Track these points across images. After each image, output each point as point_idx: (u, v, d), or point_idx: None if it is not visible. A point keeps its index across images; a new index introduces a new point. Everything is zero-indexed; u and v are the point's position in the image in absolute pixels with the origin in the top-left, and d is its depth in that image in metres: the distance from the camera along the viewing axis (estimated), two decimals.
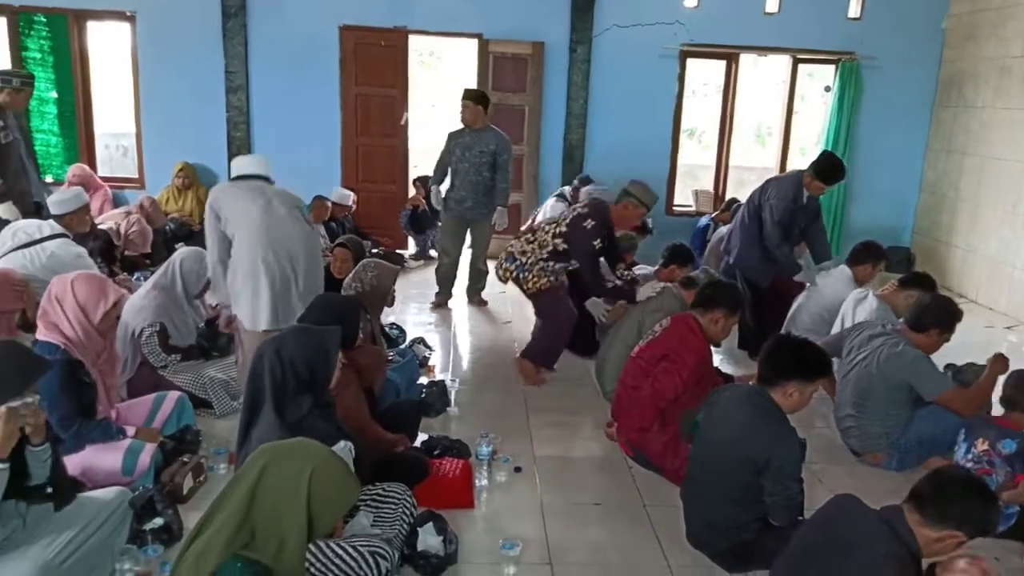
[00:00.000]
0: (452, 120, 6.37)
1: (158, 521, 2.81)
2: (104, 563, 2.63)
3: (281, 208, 3.92)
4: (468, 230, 6.20)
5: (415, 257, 7.69)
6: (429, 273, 7.08)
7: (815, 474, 3.62)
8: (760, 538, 2.80)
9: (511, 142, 6.15)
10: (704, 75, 10.12)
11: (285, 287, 3.83)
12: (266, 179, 4.09)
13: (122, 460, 3.08)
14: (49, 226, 4.59)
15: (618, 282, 4.70)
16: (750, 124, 12.13)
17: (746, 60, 8.12)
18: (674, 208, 8.13)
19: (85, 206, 5.12)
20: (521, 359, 4.75)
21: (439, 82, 12.24)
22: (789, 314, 4.97)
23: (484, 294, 6.46)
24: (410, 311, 6.01)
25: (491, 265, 5.51)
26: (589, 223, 4.47)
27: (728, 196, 7.89)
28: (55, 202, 4.95)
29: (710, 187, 8.41)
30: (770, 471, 2.65)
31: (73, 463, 3.06)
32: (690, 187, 8.57)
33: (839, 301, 4.58)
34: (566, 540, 3.07)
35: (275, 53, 7.48)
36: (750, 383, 3.21)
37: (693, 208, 8.22)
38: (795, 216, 5.05)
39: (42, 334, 3.10)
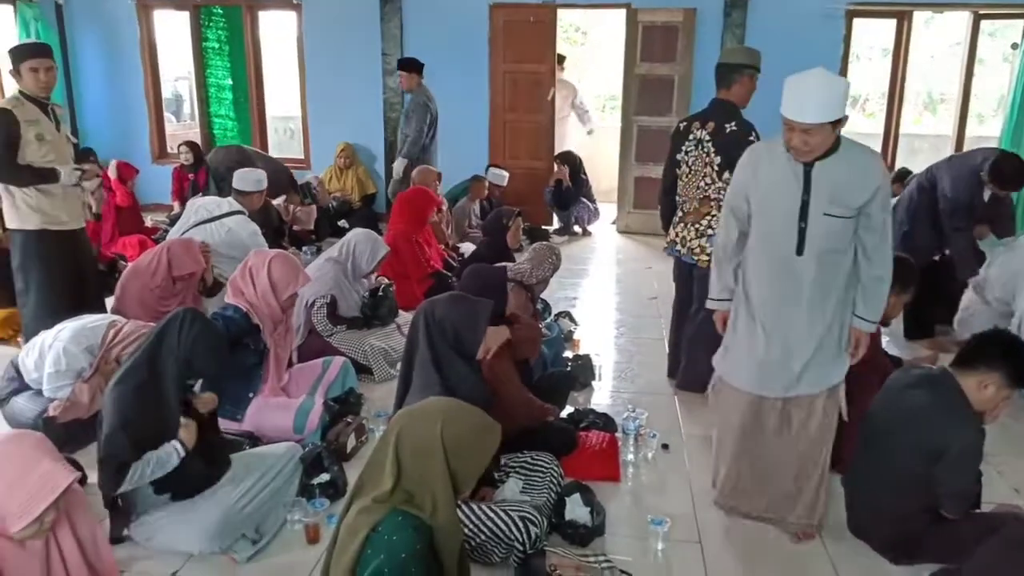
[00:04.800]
0: (597, 96, 6.33)
1: (325, 476, 3.01)
2: (277, 512, 2.87)
3: None
4: None
5: (558, 232, 7.73)
6: (573, 248, 7.13)
7: (995, 466, 3.34)
8: (929, 531, 2.65)
9: (425, 101, 6.55)
10: (868, 37, 9.41)
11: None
12: None
13: (294, 419, 3.34)
14: (228, 203, 5.00)
15: None
16: (916, 89, 11.16)
17: (918, 19, 7.47)
18: None
19: (264, 190, 5.51)
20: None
21: (587, 58, 12.10)
22: (968, 291, 4.56)
23: (630, 271, 6.51)
24: (554, 285, 6.03)
25: None
26: (731, 125, 3.65)
27: (898, 166, 7.33)
28: (241, 178, 5.33)
29: None
30: (947, 460, 2.49)
31: (251, 421, 3.35)
32: None
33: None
34: (717, 520, 3.00)
35: (428, 34, 7.69)
36: (924, 366, 2.99)
37: None
38: (973, 211, 4.59)
39: (229, 298, 3.44)
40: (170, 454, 2.58)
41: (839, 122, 2.38)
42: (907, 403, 2.65)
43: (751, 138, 3.59)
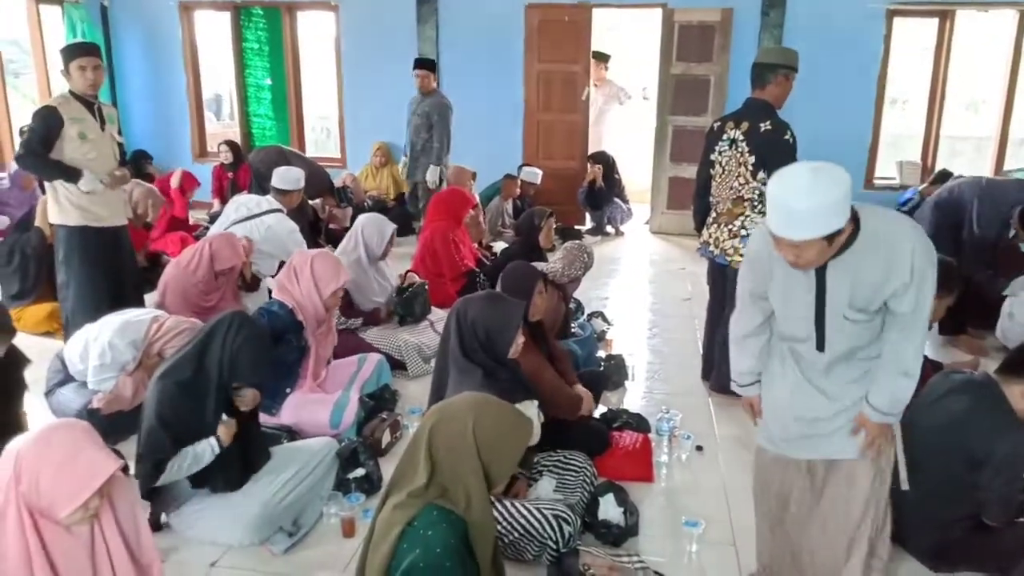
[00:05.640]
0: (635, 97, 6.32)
1: (360, 471, 3.05)
2: (313, 505, 2.91)
3: None
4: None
5: (591, 232, 7.71)
6: (606, 249, 7.11)
7: None
8: (971, 539, 2.61)
9: (449, 104, 6.64)
10: (908, 37, 9.24)
11: None
12: None
13: (330, 414, 3.38)
14: (267, 201, 5.09)
15: None
16: (955, 90, 10.91)
17: (961, 17, 7.33)
18: (875, 181, 7.54)
19: (302, 188, 5.59)
20: None
21: (620, 57, 12.02)
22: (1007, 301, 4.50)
23: (664, 271, 6.54)
24: (587, 285, 6.01)
25: None
26: (765, 125, 3.59)
27: (938, 168, 7.20)
28: (281, 177, 5.40)
29: (916, 158, 7.71)
30: (990, 466, 2.44)
31: (289, 416, 3.40)
32: (893, 159, 7.91)
33: None
34: (752, 523, 2.95)
35: (464, 35, 7.73)
36: (965, 371, 2.94)
37: (897, 181, 7.58)
38: (996, 244, 4.61)
39: (276, 295, 3.53)
40: (205, 450, 2.65)
41: (840, 232, 1.89)
42: (948, 408, 2.61)
43: (786, 137, 3.56)
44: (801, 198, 1.84)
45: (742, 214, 3.74)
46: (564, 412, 3.13)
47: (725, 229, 3.81)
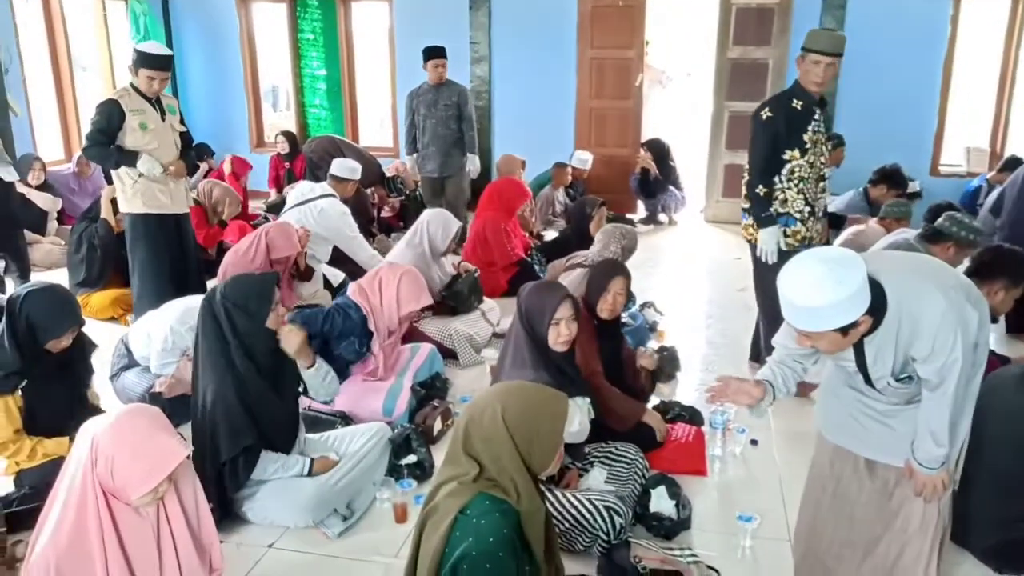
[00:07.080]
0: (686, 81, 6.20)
1: (412, 458, 3.09)
2: (367, 490, 2.96)
3: None
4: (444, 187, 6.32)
5: (644, 221, 7.62)
6: (658, 238, 7.03)
7: None
8: None
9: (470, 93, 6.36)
10: (974, 16, 8.87)
11: None
12: None
13: (383, 402, 3.44)
14: (320, 187, 5.18)
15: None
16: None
17: None
18: (940, 168, 7.28)
19: (357, 179, 5.67)
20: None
21: (663, 40, 11.84)
22: None
23: (718, 261, 6.40)
24: (639, 275, 5.94)
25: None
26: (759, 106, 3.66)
27: (1008, 154, 6.92)
28: (339, 166, 5.53)
29: (984, 144, 7.41)
30: None
31: (343, 402, 3.46)
32: (961, 144, 7.62)
33: None
34: None
35: (516, 22, 7.70)
36: None
37: (964, 168, 7.30)
38: None
39: (354, 297, 3.59)
40: (295, 464, 2.81)
41: (855, 324, 1.83)
42: (1008, 403, 2.52)
43: (760, 113, 3.57)
44: (806, 296, 1.79)
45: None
46: (616, 421, 3.10)
47: None
